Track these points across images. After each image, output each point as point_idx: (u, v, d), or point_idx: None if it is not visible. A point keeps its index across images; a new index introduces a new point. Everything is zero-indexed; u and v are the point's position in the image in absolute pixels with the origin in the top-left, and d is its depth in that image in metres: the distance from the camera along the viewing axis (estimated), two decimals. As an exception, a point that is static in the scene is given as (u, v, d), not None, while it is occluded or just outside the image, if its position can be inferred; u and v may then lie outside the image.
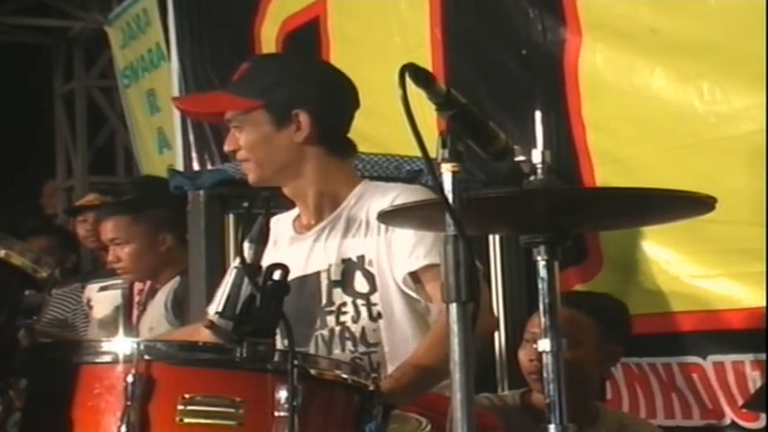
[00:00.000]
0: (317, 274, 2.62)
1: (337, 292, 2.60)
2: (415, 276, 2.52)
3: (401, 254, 2.51)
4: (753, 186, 2.92)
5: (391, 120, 3.65)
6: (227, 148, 2.68)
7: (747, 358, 3.10)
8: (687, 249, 3.21)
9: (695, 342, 3.25)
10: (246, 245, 2.12)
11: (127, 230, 4.13)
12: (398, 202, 2.48)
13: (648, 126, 3.28)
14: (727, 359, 3.15)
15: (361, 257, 2.58)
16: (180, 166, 5.75)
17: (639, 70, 3.26)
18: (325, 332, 2.61)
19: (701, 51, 3.09)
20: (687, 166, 3.13)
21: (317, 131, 2.61)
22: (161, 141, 6.78)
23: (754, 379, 3.08)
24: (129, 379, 1.84)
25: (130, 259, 4.12)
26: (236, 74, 2.69)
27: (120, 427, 1.82)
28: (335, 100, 2.68)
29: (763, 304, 3.00)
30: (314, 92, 2.64)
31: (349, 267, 2.59)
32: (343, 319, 2.59)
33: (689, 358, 3.26)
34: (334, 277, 2.60)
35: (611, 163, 3.38)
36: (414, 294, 2.54)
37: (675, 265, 3.26)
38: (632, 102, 3.31)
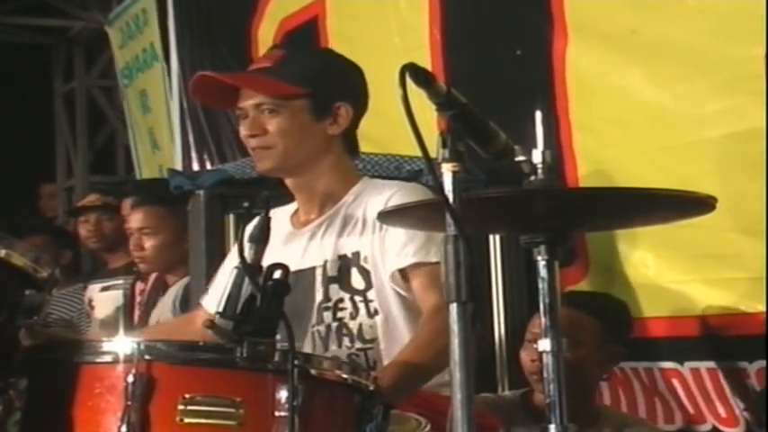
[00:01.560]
0: (312, 269, 2.61)
1: (334, 288, 2.60)
2: (403, 274, 2.52)
3: (392, 251, 2.52)
4: (726, 191, 2.90)
5: (391, 119, 3.62)
6: (249, 131, 2.59)
7: (721, 365, 3.10)
8: (664, 254, 3.20)
9: (673, 348, 3.25)
10: (247, 244, 2.12)
11: (159, 222, 4.12)
12: (394, 200, 2.49)
13: (629, 128, 3.27)
14: (703, 365, 3.15)
15: (357, 254, 2.58)
16: (172, 166, 5.75)
17: (621, 71, 3.26)
18: (322, 328, 2.60)
19: (678, 53, 3.08)
20: (665, 169, 3.13)
21: (349, 127, 2.63)
22: (152, 142, 6.80)
23: (729, 386, 3.07)
24: (130, 379, 1.84)
25: (154, 251, 4.11)
26: (267, 59, 2.65)
27: (120, 427, 1.82)
28: (366, 97, 2.70)
29: (737, 310, 3.01)
30: (356, 88, 2.66)
31: (345, 263, 2.59)
32: (340, 315, 2.59)
33: (668, 364, 3.26)
34: (330, 273, 2.60)
35: (595, 164, 3.38)
36: (402, 292, 2.54)
37: (654, 269, 3.25)
38: (614, 103, 3.30)
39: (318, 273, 2.61)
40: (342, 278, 2.59)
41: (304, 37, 4.73)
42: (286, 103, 2.57)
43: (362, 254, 2.57)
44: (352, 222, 2.60)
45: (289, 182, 2.68)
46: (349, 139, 2.67)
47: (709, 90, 3.01)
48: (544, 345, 1.93)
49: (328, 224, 2.64)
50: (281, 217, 2.69)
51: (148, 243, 4.11)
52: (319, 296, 2.61)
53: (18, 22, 7.64)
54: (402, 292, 2.54)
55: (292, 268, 2.45)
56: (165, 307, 4.07)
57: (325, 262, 2.61)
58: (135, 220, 4.17)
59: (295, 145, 2.58)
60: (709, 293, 3.11)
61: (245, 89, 2.62)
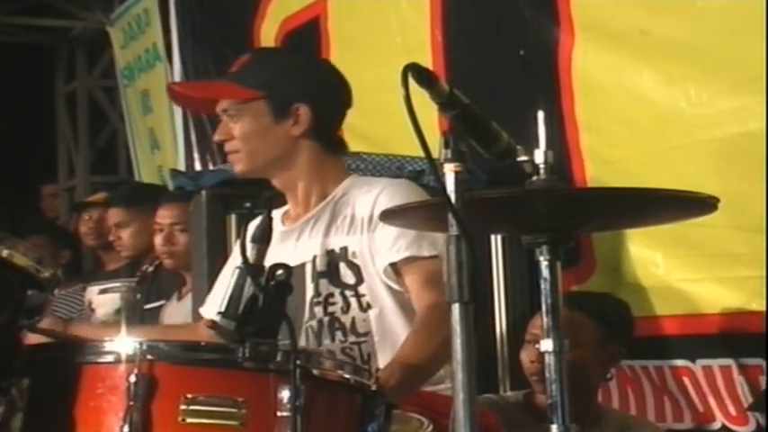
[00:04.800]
0: (302, 265, 2.62)
1: (323, 282, 2.61)
2: (395, 268, 2.53)
3: (383, 246, 2.52)
4: (736, 190, 2.91)
5: (392, 119, 3.65)
6: (217, 137, 2.69)
7: (734, 362, 3.10)
8: (674, 253, 3.21)
9: (684, 346, 3.25)
10: (249, 245, 2.12)
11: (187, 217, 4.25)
12: (383, 196, 2.51)
13: (637, 128, 3.28)
14: (715, 363, 3.15)
15: (344, 249, 2.59)
16: (172, 166, 5.75)
17: (629, 71, 3.26)
18: (314, 323, 2.61)
19: (688, 53, 3.09)
20: (674, 169, 3.13)
21: (314, 127, 2.63)
22: (152, 142, 6.80)
23: (741, 383, 3.08)
24: (132, 379, 1.84)
25: (186, 248, 4.12)
26: (235, 65, 2.69)
27: (122, 427, 1.82)
28: (334, 97, 2.70)
29: (748, 308, 3.01)
30: (315, 87, 2.66)
31: (333, 259, 2.60)
32: (331, 309, 2.60)
33: (679, 362, 3.26)
34: (319, 268, 2.61)
35: (602, 164, 3.39)
36: (395, 286, 2.55)
37: (663, 268, 3.26)
38: (622, 103, 3.31)
39: (308, 268, 2.62)
40: (331, 273, 2.60)
41: (305, 37, 4.74)
42: (245, 107, 2.62)
43: (350, 249, 2.58)
44: (341, 218, 2.61)
45: (273, 181, 2.71)
46: (327, 138, 2.67)
47: (719, 90, 3.01)
48: (546, 345, 1.93)
49: (316, 220, 2.65)
50: (274, 218, 2.71)
51: (181, 237, 4.16)
52: (310, 292, 2.62)
53: (20, 22, 7.64)
54: (395, 287, 2.55)
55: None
56: (180, 312, 4.04)
57: (314, 257, 2.62)
58: (164, 217, 4.22)
59: (258, 147, 2.63)
60: (720, 292, 3.11)
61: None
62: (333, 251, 2.60)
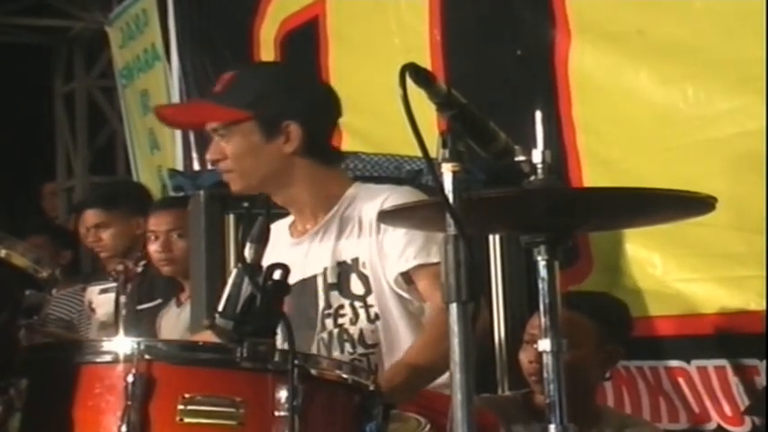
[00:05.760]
0: (314, 277, 2.63)
1: (334, 294, 2.61)
2: (406, 277, 2.53)
3: (392, 255, 2.53)
4: (734, 190, 2.91)
5: (390, 119, 3.65)
6: (210, 157, 2.66)
7: (729, 363, 3.10)
8: (671, 252, 3.21)
9: (679, 346, 3.26)
10: (247, 245, 2.12)
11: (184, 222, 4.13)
12: (388, 203, 2.49)
13: (635, 128, 3.28)
14: (710, 363, 3.15)
15: (355, 260, 2.59)
16: (172, 166, 5.74)
17: (626, 72, 3.26)
18: (325, 335, 2.62)
19: (686, 53, 3.09)
20: (672, 169, 3.13)
21: (307, 143, 2.60)
22: (152, 142, 6.80)
23: (736, 384, 3.08)
24: (130, 379, 1.84)
25: (185, 253, 4.01)
26: (218, 84, 2.66)
27: (120, 427, 1.82)
28: (323, 111, 2.68)
29: (744, 308, 3.02)
30: (304, 104, 2.62)
31: (344, 270, 2.60)
32: (341, 321, 2.60)
33: (674, 362, 3.26)
34: (330, 280, 2.61)
35: (600, 164, 3.39)
36: (406, 295, 2.55)
37: (661, 268, 3.26)
38: (619, 103, 3.31)
39: (320, 280, 2.63)
40: (341, 284, 2.60)
41: (304, 38, 4.74)
42: (235, 128, 2.59)
43: (361, 259, 2.58)
44: (349, 228, 2.61)
45: (274, 198, 2.65)
46: (321, 152, 2.65)
47: (717, 90, 3.01)
48: (544, 345, 1.93)
49: (325, 231, 2.64)
50: (281, 228, 2.71)
51: (179, 242, 4.06)
52: (321, 303, 2.63)
53: (18, 22, 7.63)
54: (404, 295, 2.55)
55: (296, 278, 2.49)
56: (180, 318, 4.01)
57: (325, 269, 2.62)
58: (160, 223, 4.13)
59: (251, 166, 2.61)
60: (717, 292, 3.11)
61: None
62: (344, 262, 2.60)
